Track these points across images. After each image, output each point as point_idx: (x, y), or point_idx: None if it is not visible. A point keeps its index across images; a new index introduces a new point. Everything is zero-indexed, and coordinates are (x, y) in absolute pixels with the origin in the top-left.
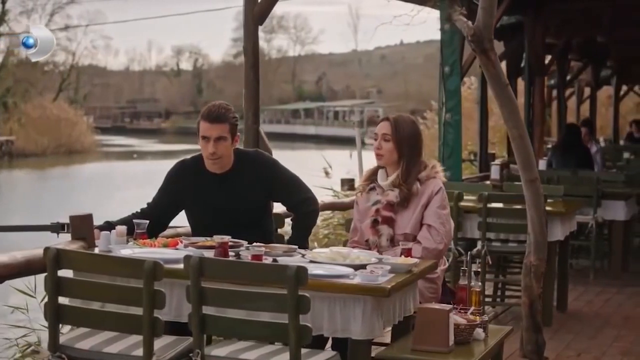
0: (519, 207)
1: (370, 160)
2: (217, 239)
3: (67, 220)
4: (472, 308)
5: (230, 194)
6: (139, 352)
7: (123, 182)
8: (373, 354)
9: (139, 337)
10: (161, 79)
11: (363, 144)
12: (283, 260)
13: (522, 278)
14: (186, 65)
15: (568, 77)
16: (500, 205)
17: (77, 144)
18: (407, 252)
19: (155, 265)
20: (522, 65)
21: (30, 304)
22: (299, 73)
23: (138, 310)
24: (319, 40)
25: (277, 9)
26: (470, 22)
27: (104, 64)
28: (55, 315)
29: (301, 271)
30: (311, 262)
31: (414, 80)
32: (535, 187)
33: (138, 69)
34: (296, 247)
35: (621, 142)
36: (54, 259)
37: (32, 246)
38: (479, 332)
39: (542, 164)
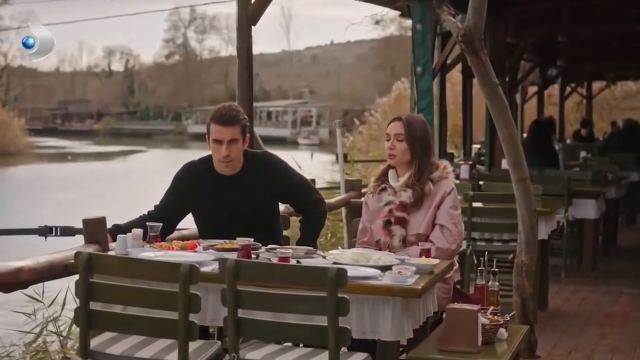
0: (500, 206)
1: (306, 159)
2: (240, 241)
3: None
4: (492, 308)
5: (240, 196)
6: (171, 356)
7: (58, 185)
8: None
9: (168, 341)
10: (92, 80)
11: (298, 144)
12: (305, 262)
13: (514, 277)
14: (117, 66)
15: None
16: (480, 205)
17: (12, 146)
18: (427, 253)
19: (191, 268)
20: None
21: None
22: (231, 73)
23: (171, 314)
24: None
25: (209, 10)
26: (459, 23)
27: (35, 65)
28: (87, 320)
29: (341, 273)
30: (334, 263)
31: (346, 80)
32: (526, 187)
33: (69, 70)
34: (316, 249)
35: (568, 142)
36: (86, 264)
37: (16, 250)
38: (502, 332)
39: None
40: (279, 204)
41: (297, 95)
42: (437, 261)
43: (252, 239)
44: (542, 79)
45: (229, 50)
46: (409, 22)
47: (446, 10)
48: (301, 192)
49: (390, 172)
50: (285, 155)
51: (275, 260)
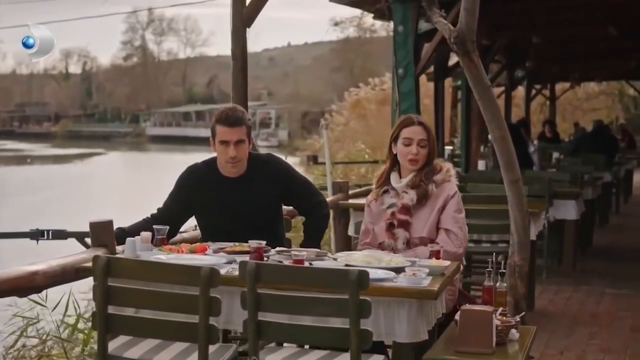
0: (489, 207)
1: None
2: (252, 243)
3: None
4: (500, 309)
5: (244, 198)
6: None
7: (17, 188)
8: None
9: (184, 345)
10: (50, 83)
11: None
12: (317, 264)
13: (507, 278)
14: (75, 68)
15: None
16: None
17: None
18: (437, 254)
19: (212, 271)
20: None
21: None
22: (190, 75)
23: (189, 318)
24: (209, 42)
25: (167, 11)
26: (451, 25)
27: None
28: (105, 324)
29: (363, 275)
30: (347, 265)
31: (303, 81)
32: (518, 188)
33: (26, 72)
34: (326, 251)
35: (535, 142)
36: (104, 268)
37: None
38: (514, 333)
39: (482, 164)
40: (282, 205)
41: (256, 97)
42: (447, 263)
43: (264, 242)
44: (510, 80)
45: (187, 52)
46: (368, 24)
47: (437, 12)
48: (305, 194)
49: (393, 174)
50: None
51: (287, 262)
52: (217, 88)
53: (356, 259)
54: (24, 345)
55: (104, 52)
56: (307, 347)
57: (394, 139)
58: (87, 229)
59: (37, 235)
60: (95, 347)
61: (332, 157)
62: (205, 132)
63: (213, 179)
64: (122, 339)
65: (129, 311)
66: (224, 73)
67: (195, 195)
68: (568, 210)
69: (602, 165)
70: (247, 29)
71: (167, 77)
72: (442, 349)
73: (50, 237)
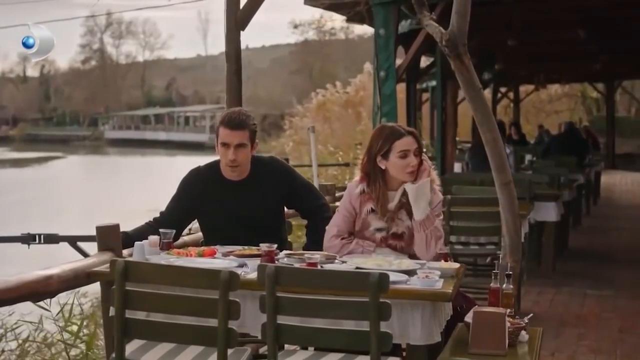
0: (477, 209)
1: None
2: (264, 247)
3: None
4: (507, 310)
5: (248, 201)
6: None
7: None
8: None
9: (199, 348)
10: (7, 86)
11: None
12: (328, 267)
13: (501, 280)
14: (33, 71)
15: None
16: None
17: None
18: (445, 257)
19: (231, 275)
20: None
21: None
22: (148, 78)
23: (200, 321)
24: (168, 45)
25: (126, 14)
26: (441, 28)
27: None
28: (123, 328)
29: (383, 278)
30: (357, 268)
31: (262, 84)
32: (510, 190)
33: None
34: (335, 254)
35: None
36: (122, 272)
37: None
38: (523, 335)
39: (458, 167)
40: (284, 208)
41: (214, 100)
42: (457, 265)
43: (275, 245)
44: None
45: (146, 55)
46: (328, 26)
47: (427, 14)
48: (308, 197)
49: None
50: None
51: (297, 265)
52: (176, 91)
53: (366, 262)
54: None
55: (63, 55)
56: (310, 348)
57: (383, 153)
58: (55, 232)
59: (28, 239)
60: (95, 351)
61: (299, 159)
62: (164, 136)
63: (216, 182)
64: (135, 343)
65: (140, 315)
66: (182, 76)
67: (199, 199)
68: (548, 212)
69: (574, 167)
70: (242, 31)
71: (125, 80)
72: (454, 351)
73: (42, 241)
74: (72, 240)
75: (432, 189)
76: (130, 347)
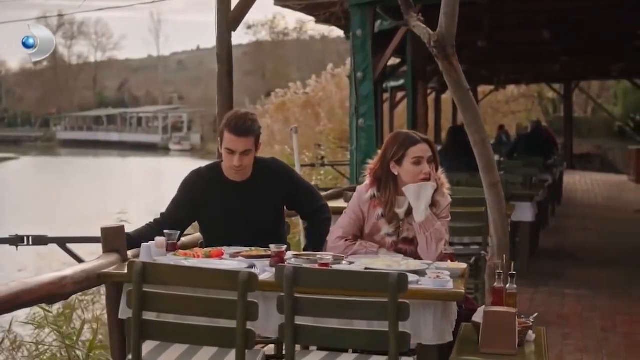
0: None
1: (175, 165)
2: (274, 248)
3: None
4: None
5: (249, 202)
6: None
7: None
8: None
9: (213, 350)
10: None
11: (169, 150)
12: (337, 268)
13: (487, 280)
14: None
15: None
16: None
17: None
18: (451, 257)
19: (250, 276)
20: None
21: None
22: (100, 79)
23: (214, 322)
24: (120, 46)
25: (78, 15)
26: (429, 29)
27: None
28: (140, 330)
29: (403, 278)
30: (366, 269)
31: (214, 85)
32: (498, 190)
33: None
34: (342, 255)
35: None
36: (140, 274)
37: None
38: (530, 334)
39: None
40: (285, 210)
41: (167, 100)
42: (464, 265)
43: (284, 246)
44: (440, 84)
45: (98, 56)
46: (281, 27)
47: (414, 15)
48: (308, 198)
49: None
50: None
51: (309, 266)
52: (128, 92)
53: (374, 262)
54: None
55: (13, 56)
56: (314, 348)
57: (397, 159)
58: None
59: (16, 241)
60: (97, 352)
61: None
62: (117, 137)
63: (217, 184)
64: (149, 345)
65: (152, 316)
66: (135, 77)
67: (200, 200)
68: (524, 213)
69: (541, 167)
70: (233, 32)
71: (77, 81)
72: (463, 350)
73: (31, 242)
74: (62, 242)
75: (441, 192)
76: (145, 349)
